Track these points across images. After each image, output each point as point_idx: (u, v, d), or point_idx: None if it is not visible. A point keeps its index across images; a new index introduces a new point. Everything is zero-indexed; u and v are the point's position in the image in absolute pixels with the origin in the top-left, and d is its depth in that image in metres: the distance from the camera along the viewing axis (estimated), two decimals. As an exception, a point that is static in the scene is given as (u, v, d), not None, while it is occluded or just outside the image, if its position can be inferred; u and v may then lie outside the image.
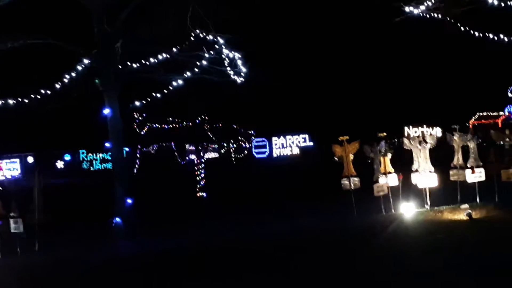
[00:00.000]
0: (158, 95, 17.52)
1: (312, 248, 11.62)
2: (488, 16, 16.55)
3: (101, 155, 41.97)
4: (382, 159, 14.96)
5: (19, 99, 15.32)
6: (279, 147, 49.60)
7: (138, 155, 39.89)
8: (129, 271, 11.13)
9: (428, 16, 16.07)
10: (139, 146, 40.05)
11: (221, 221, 16.00)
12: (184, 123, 42.03)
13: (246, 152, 48.31)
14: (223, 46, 16.22)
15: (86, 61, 15.47)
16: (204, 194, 22.55)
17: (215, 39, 16.36)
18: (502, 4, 14.79)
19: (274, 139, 49.52)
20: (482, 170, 14.75)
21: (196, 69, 16.64)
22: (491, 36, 16.85)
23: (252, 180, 26.98)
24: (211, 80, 17.35)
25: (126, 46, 15.21)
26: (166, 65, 16.38)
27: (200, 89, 22.41)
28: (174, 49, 16.24)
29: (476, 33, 17.01)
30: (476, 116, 46.66)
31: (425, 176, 14.70)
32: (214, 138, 43.81)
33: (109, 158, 33.19)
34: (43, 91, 15.47)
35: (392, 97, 46.51)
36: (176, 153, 41.46)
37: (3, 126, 25.63)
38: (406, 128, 46.04)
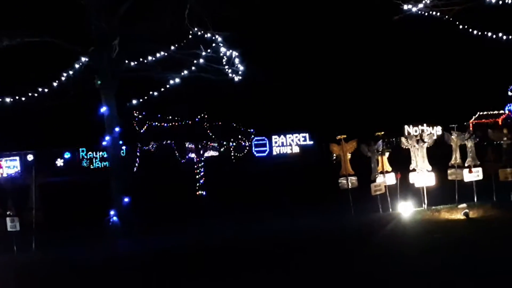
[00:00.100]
0: (155, 93, 17.48)
1: (311, 247, 11.60)
2: (486, 14, 16.51)
3: (101, 153, 42.01)
4: (379, 158, 14.93)
5: (17, 97, 15.28)
6: (279, 146, 49.63)
7: (138, 153, 39.93)
8: (126, 270, 11.09)
9: (426, 14, 16.02)
10: (139, 144, 40.09)
11: (221, 219, 16.00)
12: (184, 121, 42.14)
13: (246, 150, 48.34)
14: (221, 44, 16.17)
15: (83, 59, 15.43)
16: (204, 193, 22.53)
17: (214, 37, 16.31)
18: (500, 2, 14.73)
19: (274, 137, 49.56)
20: (479, 169, 14.71)
21: (193, 67, 16.60)
22: (489, 34, 16.79)
23: (251, 178, 26.98)
24: (211, 79, 17.30)
25: (123, 43, 15.16)
26: (164, 63, 16.33)
27: (201, 88, 22.40)
28: (172, 47, 16.19)
29: (475, 32, 16.96)
30: (477, 115, 46.62)
31: (422, 175, 14.66)
32: (213, 137, 43.87)
33: (109, 156, 33.05)
34: (40, 89, 15.43)
35: (393, 96, 46.54)
36: (175, 151, 41.48)
37: (3, 124, 25.62)
38: (406, 126, 46.01)
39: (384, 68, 45.84)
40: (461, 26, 16.86)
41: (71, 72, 15.41)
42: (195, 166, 23.08)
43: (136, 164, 39.13)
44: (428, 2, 15.32)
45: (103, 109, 15.11)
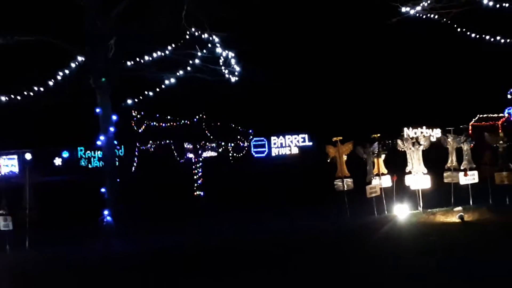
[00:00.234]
0: (151, 93, 17.44)
1: (308, 248, 11.63)
2: (484, 18, 16.50)
3: (99, 152, 41.92)
4: (375, 160, 14.88)
5: (12, 96, 15.24)
6: (278, 147, 49.53)
7: (136, 153, 39.89)
8: (121, 270, 11.09)
9: (424, 17, 16.02)
10: (137, 144, 40.05)
11: (218, 220, 16.02)
12: (182, 121, 42.11)
13: (244, 151, 48.26)
14: (217, 45, 16.14)
15: (79, 58, 15.40)
16: (202, 193, 22.50)
17: (211, 38, 16.28)
18: (497, 6, 14.72)
19: (273, 138, 49.47)
20: (475, 172, 14.68)
21: (189, 68, 16.57)
22: (487, 37, 16.78)
23: (250, 179, 26.92)
24: (207, 79, 17.28)
25: (119, 43, 15.12)
26: (160, 63, 16.31)
27: (199, 88, 22.36)
28: (169, 47, 16.16)
29: (473, 35, 16.95)
30: (476, 117, 46.55)
31: (418, 177, 14.62)
32: (212, 137, 43.81)
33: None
34: (36, 88, 15.39)
35: (392, 98, 46.50)
36: (174, 152, 41.42)
37: (1, 123, 25.59)
38: (405, 129, 45.93)
39: (385, 70, 45.84)
40: (459, 29, 16.86)
41: (67, 72, 15.37)
42: (194, 167, 23.06)
43: (135, 164, 39.09)
44: (426, 4, 15.32)
45: (98, 110, 15.07)
